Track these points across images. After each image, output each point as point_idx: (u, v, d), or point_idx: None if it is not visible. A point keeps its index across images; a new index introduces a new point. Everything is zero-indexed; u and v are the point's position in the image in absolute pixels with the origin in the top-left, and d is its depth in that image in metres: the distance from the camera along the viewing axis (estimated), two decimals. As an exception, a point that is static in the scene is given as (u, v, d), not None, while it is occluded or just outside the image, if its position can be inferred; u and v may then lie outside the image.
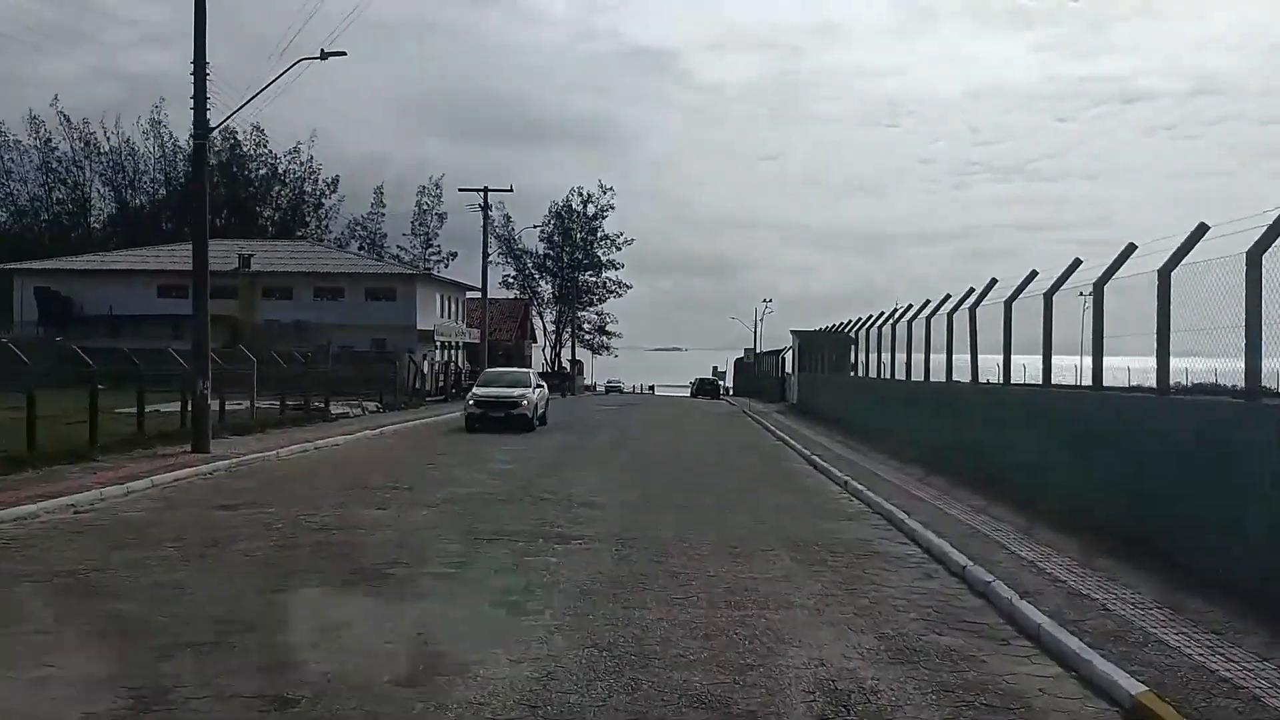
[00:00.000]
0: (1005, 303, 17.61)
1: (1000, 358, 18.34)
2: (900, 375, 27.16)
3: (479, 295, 64.55)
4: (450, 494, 16.13)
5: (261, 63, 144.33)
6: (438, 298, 65.78)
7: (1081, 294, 15.11)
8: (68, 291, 60.27)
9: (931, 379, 23.47)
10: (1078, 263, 14.86)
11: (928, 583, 10.47)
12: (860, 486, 17.34)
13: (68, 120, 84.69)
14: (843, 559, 11.54)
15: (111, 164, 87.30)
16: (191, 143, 21.15)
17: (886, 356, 28.73)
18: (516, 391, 30.94)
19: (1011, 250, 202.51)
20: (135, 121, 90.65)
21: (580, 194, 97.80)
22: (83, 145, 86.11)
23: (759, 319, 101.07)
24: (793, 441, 27.51)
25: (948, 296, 22.15)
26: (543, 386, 33.69)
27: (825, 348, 44.06)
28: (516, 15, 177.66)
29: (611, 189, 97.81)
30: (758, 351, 78.78)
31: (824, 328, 45.10)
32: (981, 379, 20.23)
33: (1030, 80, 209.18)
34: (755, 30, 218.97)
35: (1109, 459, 12.70)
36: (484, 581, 10.00)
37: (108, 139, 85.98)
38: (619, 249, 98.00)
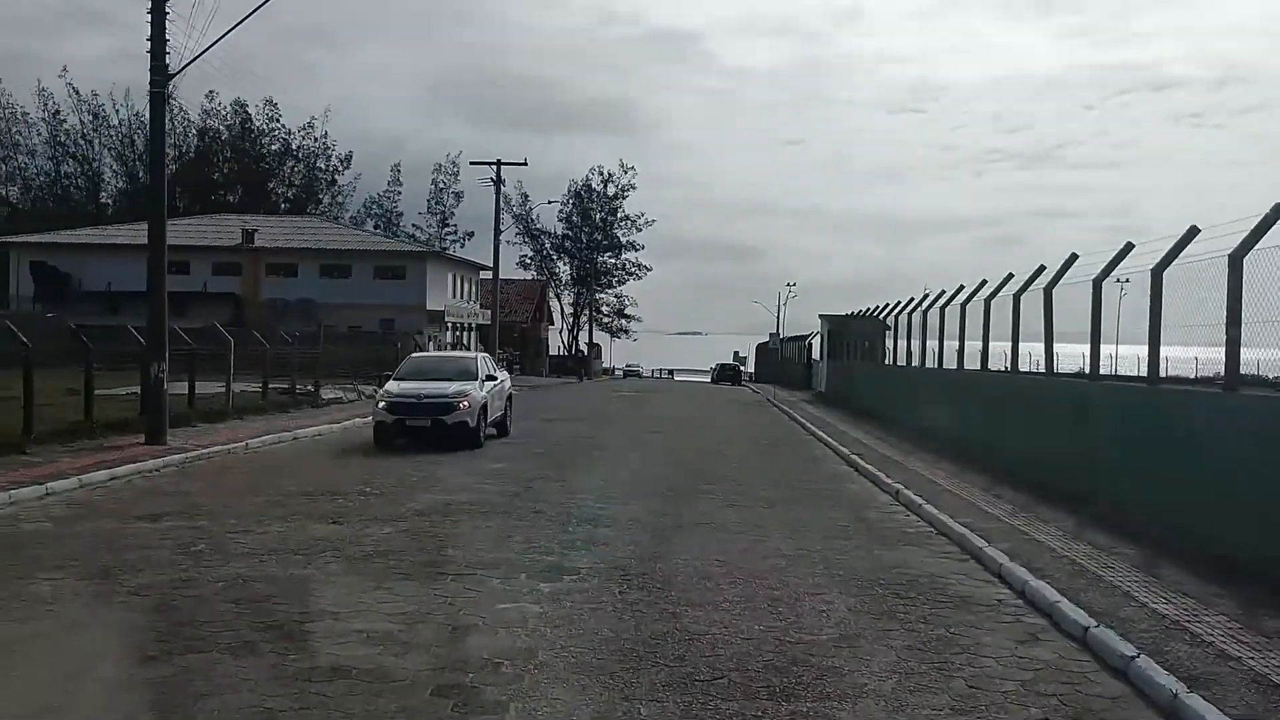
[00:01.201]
0: (1094, 281, 14.76)
1: (1087, 347, 15.47)
2: (948, 364, 24.46)
3: (491, 274, 61.95)
4: (428, 503, 13.45)
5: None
6: (449, 277, 63.18)
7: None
8: (66, 266, 58.00)
9: (990, 368, 20.70)
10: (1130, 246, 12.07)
11: (1037, 649, 7.73)
12: (916, 498, 14.58)
13: (76, 93, 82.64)
14: (916, 607, 8.80)
15: (121, 138, 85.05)
16: (149, 93, 18.13)
17: (931, 343, 26.04)
18: (453, 388, 20.51)
19: (1031, 237, 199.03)
20: (144, 94, 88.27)
21: (601, 173, 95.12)
22: (91, 119, 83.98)
23: (782, 303, 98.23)
24: (827, 437, 24.73)
25: (1009, 277, 19.37)
26: (497, 379, 23.09)
27: (856, 334, 41.25)
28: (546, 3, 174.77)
29: (633, 168, 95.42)
30: (782, 337, 75.70)
31: (855, 312, 42.29)
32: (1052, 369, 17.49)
33: (1054, 68, 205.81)
34: (779, 15, 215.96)
35: (1243, 476, 9.92)
36: (429, 648, 7.30)
37: (116, 112, 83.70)
38: (639, 230, 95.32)
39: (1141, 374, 14.98)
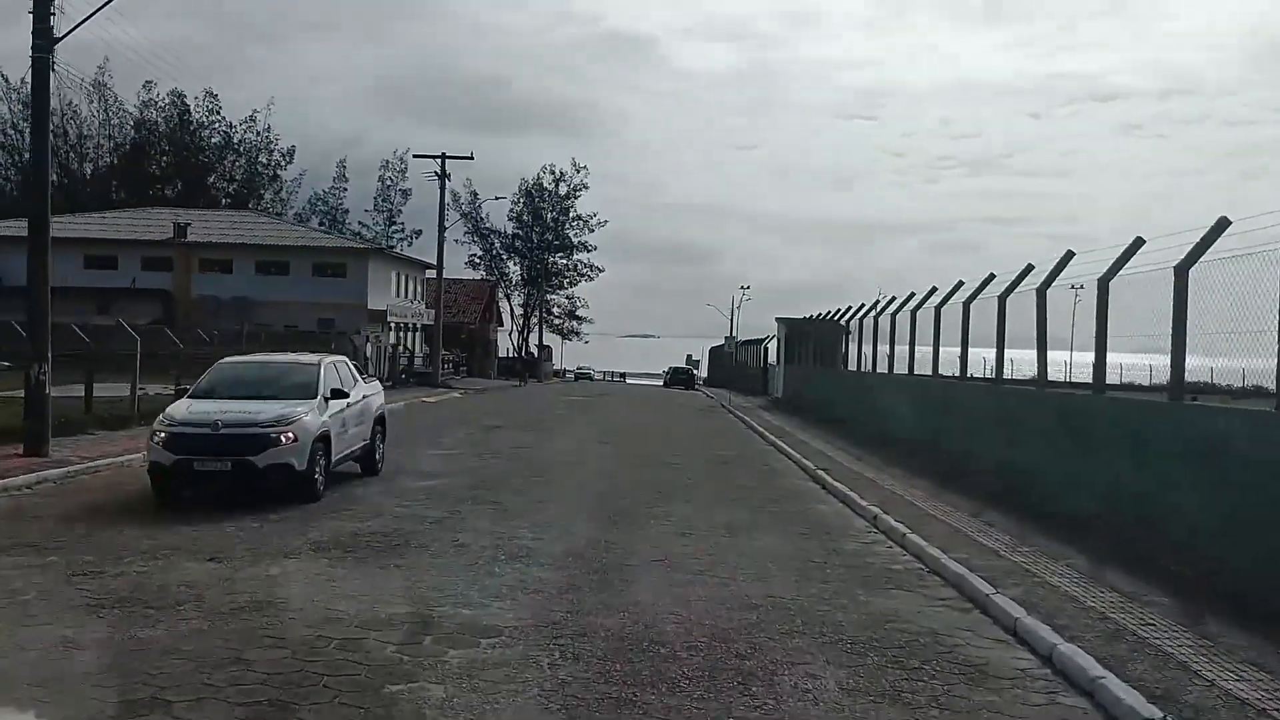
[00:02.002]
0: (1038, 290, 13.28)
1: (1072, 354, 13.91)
2: (918, 371, 22.93)
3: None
4: (333, 531, 11.46)
5: None
6: (393, 276, 60.77)
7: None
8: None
9: (967, 376, 19.07)
10: (1142, 241, 10.47)
11: (1086, 746, 5.94)
12: (897, 524, 12.81)
13: (5, 80, 79.05)
14: (922, 682, 6.98)
15: (52, 128, 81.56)
16: (32, 58, 15.93)
17: (900, 348, 24.46)
18: (271, 412, 13.62)
19: (981, 244, 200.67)
20: (80, 84, 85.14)
21: (552, 172, 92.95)
22: (21, 108, 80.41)
23: (736, 306, 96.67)
24: (788, 448, 22.96)
25: (989, 278, 17.78)
26: (352, 397, 15.54)
27: (814, 338, 39.69)
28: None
29: (585, 168, 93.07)
30: (737, 340, 73.94)
31: (813, 316, 40.71)
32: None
33: (1003, 76, 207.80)
34: (733, 19, 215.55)
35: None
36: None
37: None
38: (592, 230, 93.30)
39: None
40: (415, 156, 52.99)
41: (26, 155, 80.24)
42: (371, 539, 11.09)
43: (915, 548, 11.67)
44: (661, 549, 11.19)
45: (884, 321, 27.45)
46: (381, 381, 23.90)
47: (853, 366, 33.91)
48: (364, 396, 16.30)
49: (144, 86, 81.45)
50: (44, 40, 15.95)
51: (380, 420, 16.97)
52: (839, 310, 35.98)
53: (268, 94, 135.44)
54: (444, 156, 47.72)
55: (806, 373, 39.62)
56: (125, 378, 25.20)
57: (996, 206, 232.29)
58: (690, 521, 13.08)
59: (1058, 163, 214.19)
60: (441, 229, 49.36)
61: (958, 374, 19.45)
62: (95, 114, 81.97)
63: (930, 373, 21.75)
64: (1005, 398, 16.88)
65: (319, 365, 15.21)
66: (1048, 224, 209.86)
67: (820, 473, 18.31)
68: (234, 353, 30.13)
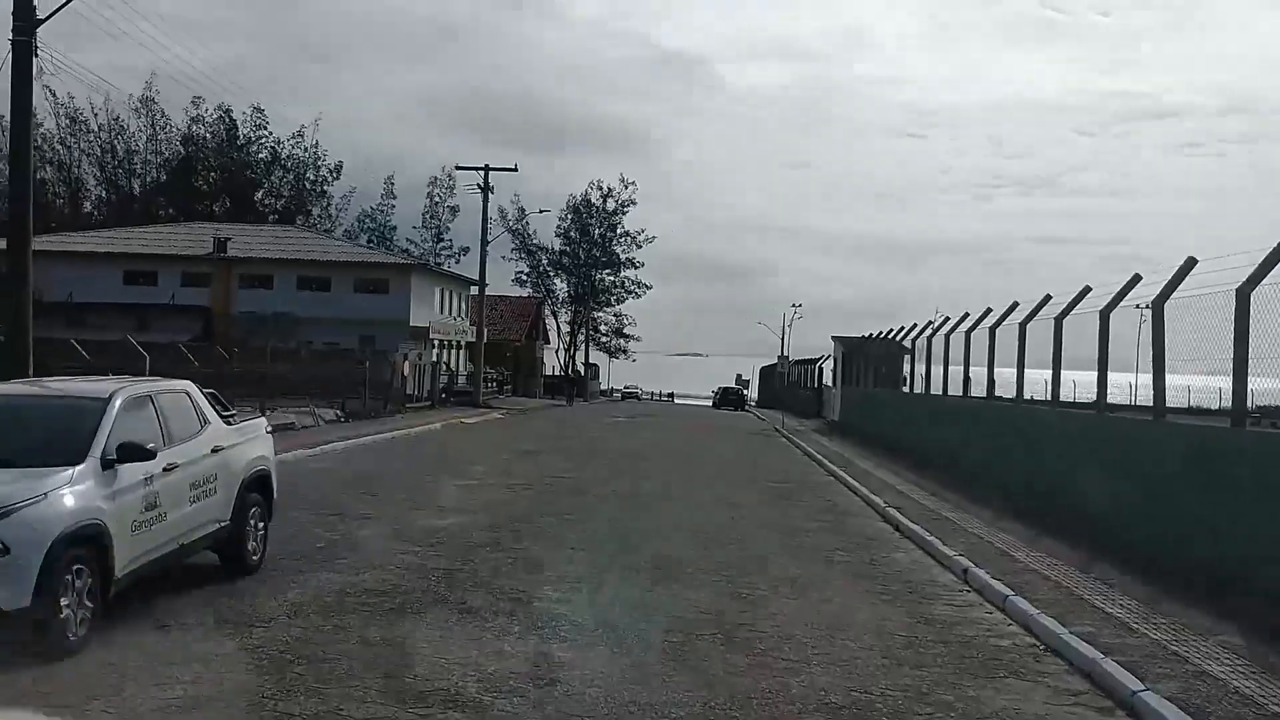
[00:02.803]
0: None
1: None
2: (978, 393, 21.05)
3: (485, 290, 58.15)
4: (316, 588, 9.57)
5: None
6: (436, 292, 59.29)
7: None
8: (23, 275, 54.23)
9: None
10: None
11: None
12: (994, 580, 10.71)
13: (53, 95, 78.80)
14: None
15: (101, 144, 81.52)
16: (12, 42, 14.34)
17: (976, 370, 22.45)
18: None
19: (1032, 263, 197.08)
20: (127, 99, 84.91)
21: (600, 188, 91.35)
22: (69, 122, 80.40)
23: (787, 325, 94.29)
24: (850, 479, 20.86)
25: (1084, 292, 15.68)
26: (152, 458, 8.45)
27: (873, 358, 37.54)
28: (548, 18, 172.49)
29: (633, 183, 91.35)
30: (790, 360, 71.38)
31: (871, 334, 38.56)
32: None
33: (1056, 94, 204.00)
34: (785, 38, 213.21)
35: None
36: None
37: (95, 115, 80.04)
38: (639, 247, 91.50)
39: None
40: (458, 169, 51.48)
41: (74, 171, 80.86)
42: (365, 598, 9.19)
43: (1021, 615, 9.57)
44: (713, 615, 9.18)
45: (955, 340, 25.74)
46: (419, 401, 21.83)
47: (918, 389, 32.22)
48: (216, 450, 9.71)
49: (192, 103, 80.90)
50: (25, 22, 14.35)
51: (258, 484, 10.44)
52: (899, 329, 34.05)
53: (326, 114, 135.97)
54: (487, 169, 46.23)
55: (865, 395, 37.42)
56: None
57: (1048, 225, 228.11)
58: (748, 575, 11.06)
59: (1112, 181, 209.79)
60: (484, 242, 47.85)
61: (1047, 397, 17.54)
62: (142, 130, 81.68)
63: (1013, 396, 19.92)
64: (1112, 426, 14.67)
65: (106, 403, 8.50)
66: (1101, 244, 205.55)
67: (892, 511, 16.21)
68: (261, 368, 28.68)
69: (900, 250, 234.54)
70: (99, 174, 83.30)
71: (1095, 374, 14.85)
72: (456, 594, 9.48)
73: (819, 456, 26.87)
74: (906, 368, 36.36)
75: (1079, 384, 19.41)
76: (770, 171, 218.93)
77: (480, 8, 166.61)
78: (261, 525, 10.47)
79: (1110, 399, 15.22)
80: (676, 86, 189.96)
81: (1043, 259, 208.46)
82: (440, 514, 14.33)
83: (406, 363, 39.64)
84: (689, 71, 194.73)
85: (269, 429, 11.55)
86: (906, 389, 36.31)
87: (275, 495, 11.07)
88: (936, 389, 27.82)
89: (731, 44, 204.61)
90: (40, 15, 14.71)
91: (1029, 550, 12.78)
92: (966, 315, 25.67)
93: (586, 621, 8.72)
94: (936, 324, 27.54)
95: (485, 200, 46.66)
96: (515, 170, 46.28)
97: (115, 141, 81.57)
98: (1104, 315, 14.38)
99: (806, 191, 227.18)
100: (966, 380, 26.01)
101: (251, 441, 10.65)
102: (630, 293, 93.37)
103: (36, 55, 14.51)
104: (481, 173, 45.97)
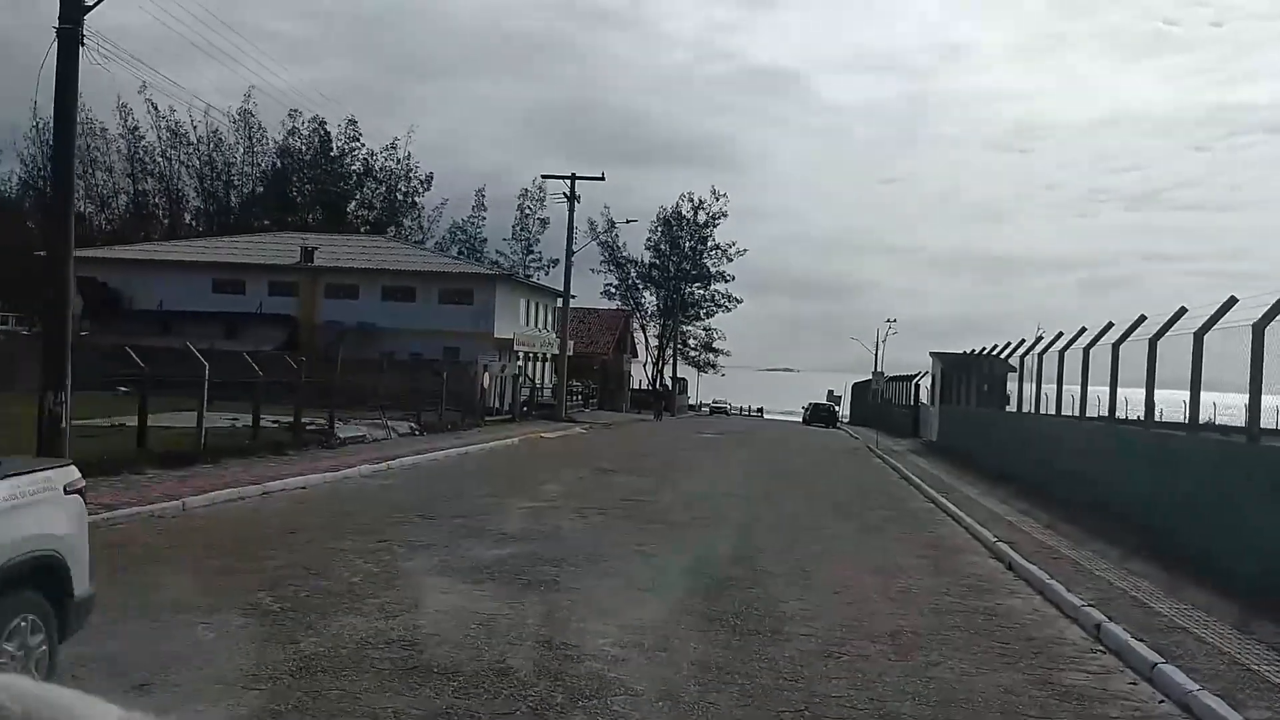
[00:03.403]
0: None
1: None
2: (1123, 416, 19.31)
3: (571, 302, 57.07)
4: (305, 648, 8.25)
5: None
6: (522, 303, 58.43)
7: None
8: (116, 284, 54.63)
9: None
10: None
11: None
12: (1136, 642, 8.95)
13: (155, 108, 79.99)
14: None
15: (200, 156, 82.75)
16: (57, 32, 13.41)
17: (1097, 390, 20.65)
18: None
19: (1138, 280, 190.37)
20: (226, 110, 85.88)
21: (691, 200, 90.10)
22: (169, 135, 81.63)
23: (881, 340, 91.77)
24: (954, 507, 19.05)
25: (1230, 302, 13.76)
26: None
27: (975, 375, 35.49)
28: (644, 36, 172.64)
29: (724, 195, 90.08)
30: (887, 376, 68.87)
31: (973, 351, 36.50)
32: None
33: (1166, 107, 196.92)
34: (881, 52, 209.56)
35: None
36: None
37: (194, 128, 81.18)
38: (730, 260, 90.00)
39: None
40: (544, 177, 50.31)
41: (174, 182, 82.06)
42: (387, 650, 7.84)
43: (1176, 690, 7.84)
44: (797, 682, 7.65)
45: (1071, 358, 23.93)
46: (499, 414, 20.44)
47: (1025, 408, 30.28)
48: None
49: (289, 115, 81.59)
50: (72, 9, 13.42)
51: (33, 577, 6.24)
52: (1003, 345, 32.08)
53: (424, 129, 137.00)
54: (574, 177, 45.13)
55: (966, 414, 35.34)
56: (241, 406, 23.53)
57: (1155, 242, 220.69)
58: (841, 627, 9.48)
59: (1224, 197, 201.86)
60: (569, 252, 46.73)
61: (1182, 419, 15.71)
62: (240, 142, 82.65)
63: (1140, 418, 18.21)
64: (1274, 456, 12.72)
65: None
66: (1210, 260, 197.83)
67: (1003, 547, 14.43)
68: (324, 378, 27.78)
69: (999, 265, 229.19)
70: (199, 186, 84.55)
71: (1245, 396, 13.03)
72: (494, 650, 8.06)
73: (916, 479, 25.02)
74: (1011, 386, 34.48)
75: (1220, 406, 17.75)
76: (864, 186, 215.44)
77: (578, 26, 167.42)
78: (41, 644, 6.22)
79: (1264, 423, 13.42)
80: (768, 101, 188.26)
81: (1147, 275, 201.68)
82: (499, 542, 12.97)
83: (487, 374, 38.60)
84: (781, 86, 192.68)
85: (75, 485, 6.79)
86: (1012, 408, 34.35)
87: (89, 589, 6.74)
88: (1047, 408, 26.18)
89: (825, 59, 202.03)
90: (89, 2, 13.68)
91: (1171, 600, 10.96)
92: (1084, 330, 24.05)
93: (644, 688, 7.24)
94: (1049, 339, 25.79)
95: (571, 209, 45.59)
96: (603, 179, 45.07)
97: (214, 154, 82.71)
98: (1257, 330, 12.57)
99: (901, 206, 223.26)
100: (1084, 400, 24.17)
101: (24, 510, 6.21)
102: (720, 306, 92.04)
103: (83, 45, 13.57)
104: (568, 181, 44.83)
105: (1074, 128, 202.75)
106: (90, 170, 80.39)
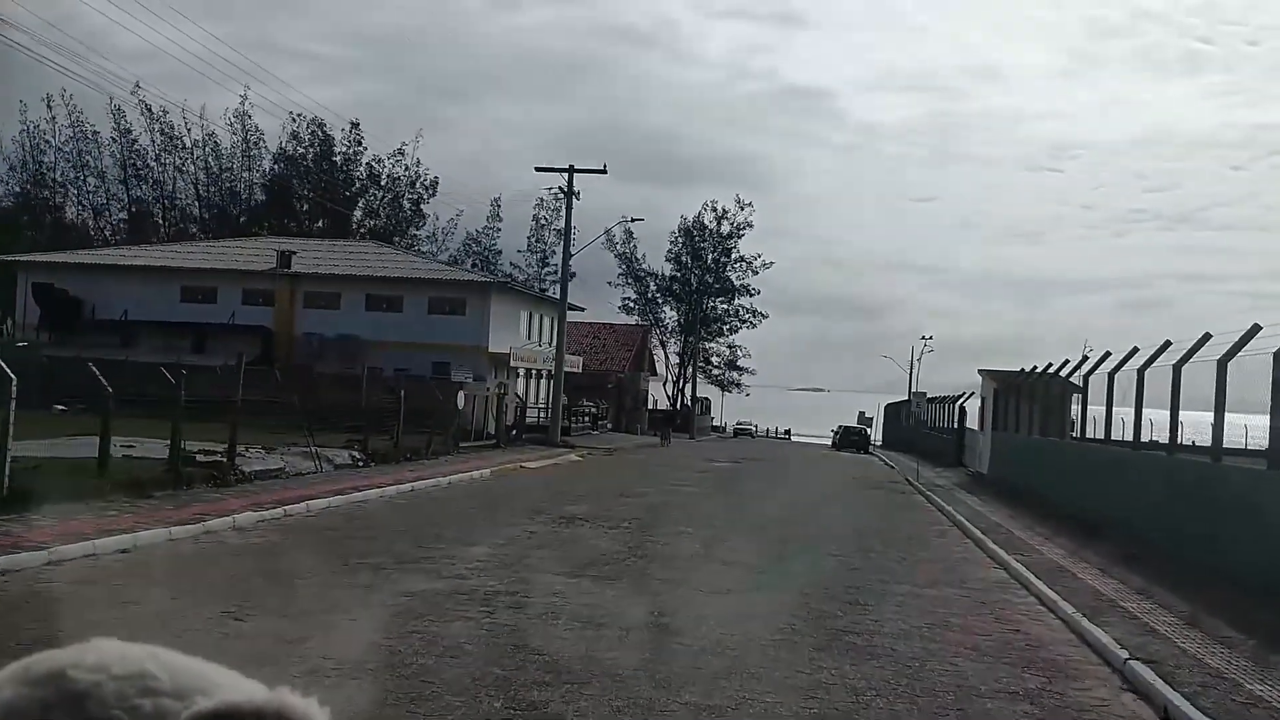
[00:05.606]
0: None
1: None
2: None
3: (583, 316, 52.09)
4: None
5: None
6: (523, 315, 53.25)
7: None
8: (79, 292, 49.85)
9: None
10: None
11: None
12: None
13: (149, 110, 75.51)
14: None
15: (194, 159, 78.53)
16: None
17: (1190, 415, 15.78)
18: None
19: (1176, 300, 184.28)
20: (223, 113, 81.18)
21: (714, 209, 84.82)
22: (164, 138, 77.27)
23: (916, 359, 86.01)
24: (1035, 579, 13.59)
25: None
26: None
27: (1034, 397, 30.17)
28: (674, 55, 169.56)
29: (750, 204, 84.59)
30: (928, 396, 62.69)
31: (1028, 370, 31.11)
32: None
33: (1202, 127, 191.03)
34: (915, 71, 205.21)
35: None
36: None
37: (189, 131, 76.89)
38: (755, 273, 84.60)
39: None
40: (537, 169, 43.98)
41: (163, 186, 77.73)
42: None
43: None
44: None
45: (1152, 377, 19.73)
46: (480, 440, 15.42)
47: (1091, 433, 26.69)
48: None
49: (291, 119, 77.28)
50: None
51: None
52: (1062, 362, 27.28)
53: (455, 150, 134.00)
54: (571, 169, 39.99)
55: (1025, 444, 29.85)
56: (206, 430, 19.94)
57: (1192, 262, 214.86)
58: None
59: (1262, 216, 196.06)
60: (567, 254, 41.60)
61: None
62: (237, 143, 78.49)
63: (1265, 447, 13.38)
64: None
65: None
66: (1248, 280, 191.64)
67: (1143, 673, 9.00)
68: (269, 398, 22.75)
69: (1033, 285, 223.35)
70: (189, 189, 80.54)
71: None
72: None
73: (975, 530, 19.51)
74: (1074, 409, 29.99)
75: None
76: (896, 205, 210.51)
77: (609, 45, 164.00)
78: None
79: None
80: (799, 120, 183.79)
81: (1184, 295, 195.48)
82: (320, 677, 7.65)
83: (462, 394, 33.36)
84: (813, 105, 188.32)
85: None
86: (1076, 435, 29.68)
87: None
88: (1122, 435, 22.41)
89: (857, 78, 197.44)
90: None
91: None
92: (1169, 344, 19.60)
93: None
94: (1121, 356, 21.50)
95: (569, 205, 40.40)
96: (604, 172, 39.80)
97: (209, 158, 78.56)
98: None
99: (935, 225, 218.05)
100: (1175, 427, 19.44)
101: None
102: (744, 322, 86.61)
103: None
104: (564, 174, 39.73)
105: (1110, 147, 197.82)
106: (81, 175, 76.44)
